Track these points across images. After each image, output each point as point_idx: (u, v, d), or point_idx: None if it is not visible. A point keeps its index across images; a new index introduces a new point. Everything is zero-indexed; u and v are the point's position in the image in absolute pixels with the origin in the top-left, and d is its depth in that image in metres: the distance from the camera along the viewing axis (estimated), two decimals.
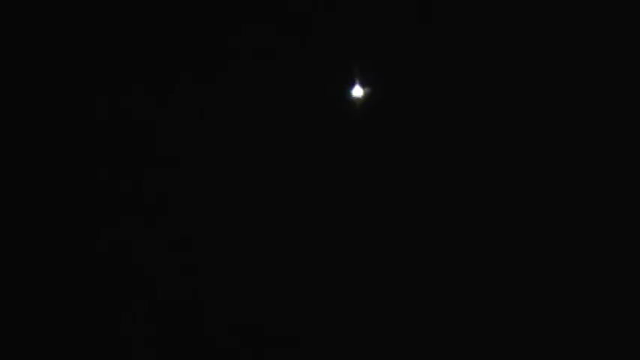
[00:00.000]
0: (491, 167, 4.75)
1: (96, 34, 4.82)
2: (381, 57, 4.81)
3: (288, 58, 4.81)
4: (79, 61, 4.81)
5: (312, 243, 4.76)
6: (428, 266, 4.72)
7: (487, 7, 4.77)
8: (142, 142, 4.79)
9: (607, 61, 4.76)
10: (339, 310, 4.70)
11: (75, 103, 4.79)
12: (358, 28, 4.81)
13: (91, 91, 4.80)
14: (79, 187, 4.75)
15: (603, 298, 4.60)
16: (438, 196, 4.77)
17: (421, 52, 4.80)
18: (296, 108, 4.81)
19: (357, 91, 4.82)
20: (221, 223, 4.78)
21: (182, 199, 4.78)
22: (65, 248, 4.71)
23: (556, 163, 4.75)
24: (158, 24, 4.84)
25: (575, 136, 4.75)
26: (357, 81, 4.81)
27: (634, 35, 4.74)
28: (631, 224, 4.65)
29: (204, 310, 4.70)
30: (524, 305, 4.65)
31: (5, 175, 4.74)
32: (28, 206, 4.73)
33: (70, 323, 4.66)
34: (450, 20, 4.79)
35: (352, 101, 4.82)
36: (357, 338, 4.68)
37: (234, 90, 4.81)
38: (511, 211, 4.72)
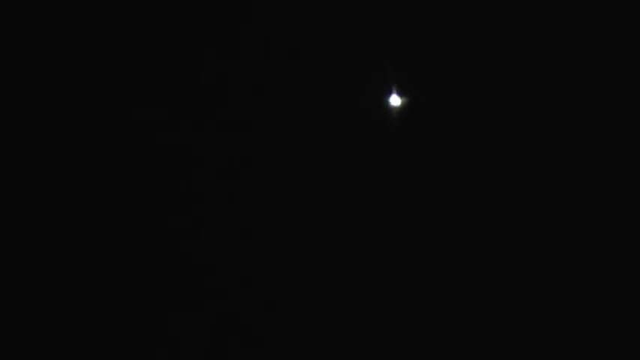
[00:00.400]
0: (525, 180, 4.77)
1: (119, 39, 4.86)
2: (420, 66, 4.82)
3: (327, 65, 4.83)
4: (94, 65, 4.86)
5: (342, 248, 4.79)
6: (459, 272, 4.77)
7: (527, 19, 4.79)
8: (185, 152, 4.86)
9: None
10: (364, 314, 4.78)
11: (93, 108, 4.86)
12: (396, 36, 4.82)
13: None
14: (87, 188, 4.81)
15: (603, 299, 4.64)
16: (470, 206, 4.79)
17: (460, 62, 4.81)
18: (333, 115, 4.83)
19: (395, 100, 4.86)
20: (253, 227, 4.85)
21: (216, 205, 4.84)
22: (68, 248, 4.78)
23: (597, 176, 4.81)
24: (199, 27, 4.89)
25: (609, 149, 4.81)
26: (395, 89, 4.84)
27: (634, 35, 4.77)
28: (631, 224, 4.69)
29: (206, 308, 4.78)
30: (532, 308, 4.71)
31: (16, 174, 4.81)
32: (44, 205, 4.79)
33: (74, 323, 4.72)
34: (490, 33, 4.80)
35: (390, 110, 4.86)
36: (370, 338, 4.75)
37: (274, 97, 4.84)
38: (550, 223, 4.78)
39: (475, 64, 4.81)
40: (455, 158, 4.83)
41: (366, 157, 4.83)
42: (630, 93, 4.78)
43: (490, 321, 4.68)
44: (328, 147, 4.83)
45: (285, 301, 4.75)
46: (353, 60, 4.83)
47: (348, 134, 4.83)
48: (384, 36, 4.82)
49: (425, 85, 4.84)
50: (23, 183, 4.76)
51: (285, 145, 4.84)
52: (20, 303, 4.68)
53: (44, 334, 4.67)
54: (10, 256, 4.70)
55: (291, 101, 4.84)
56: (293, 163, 4.84)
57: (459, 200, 4.80)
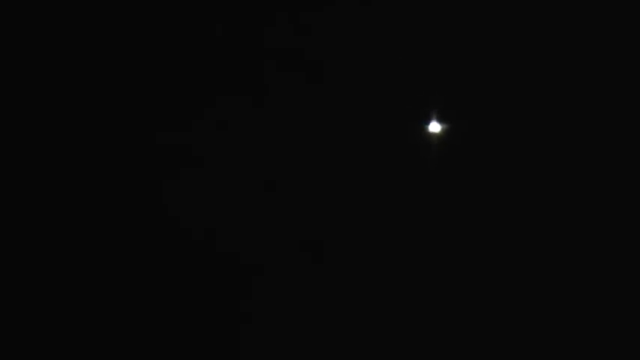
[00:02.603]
0: (570, 209, 4.71)
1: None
2: (460, 93, 4.79)
3: (367, 92, 4.79)
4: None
5: (378, 275, 4.72)
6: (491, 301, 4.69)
7: (572, 48, 4.76)
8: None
9: None
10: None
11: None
12: (435, 64, 4.79)
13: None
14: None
15: (603, 299, 4.59)
16: (507, 231, 4.71)
17: (500, 91, 4.77)
18: (373, 142, 4.78)
19: (435, 127, 4.75)
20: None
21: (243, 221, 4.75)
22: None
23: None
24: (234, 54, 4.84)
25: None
26: (435, 116, 4.74)
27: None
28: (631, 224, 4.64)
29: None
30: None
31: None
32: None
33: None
34: (531, 61, 4.76)
35: (429, 136, 4.75)
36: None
37: (315, 122, 4.79)
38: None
39: (514, 93, 4.78)
40: (494, 186, 4.76)
41: (405, 184, 4.77)
42: None
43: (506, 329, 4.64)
44: (367, 174, 4.77)
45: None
46: (393, 87, 4.81)
47: (388, 161, 4.78)
48: (424, 63, 4.81)
49: (464, 112, 4.81)
50: (23, 183, 4.70)
51: (323, 172, 4.78)
52: (20, 303, 4.61)
53: (44, 334, 4.59)
54: (10, 256, 4.64)
55: (330, 129, 4.80)
56: (330, 189, 4.77)
57: (496, 227, 4.73)
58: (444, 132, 4.75)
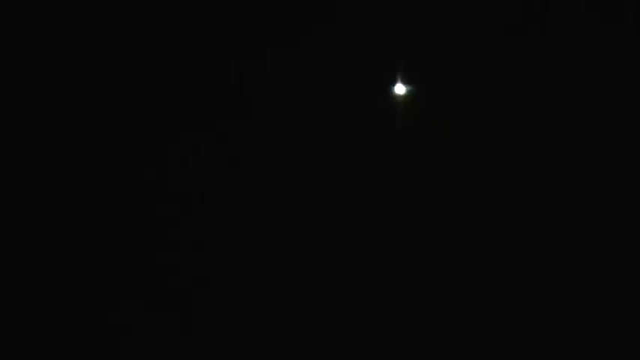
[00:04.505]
0: (528, 174, 4.72)
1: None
2: (425, 55, 4.78)
3: (331, 55, 4.78)
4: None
5: (345, 242, 4.74)
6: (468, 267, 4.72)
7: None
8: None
9: None
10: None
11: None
12: (402, 25, 4.78)
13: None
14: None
15: (603, 299, 4.59)
16: (476, 197, 4.73)
17: (466, 51, 4.78)
18: (338, 105, 4.78)
19: (400, 89, 4.79)
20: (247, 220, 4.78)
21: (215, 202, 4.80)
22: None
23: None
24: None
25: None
26: (400, 79, 4.77)
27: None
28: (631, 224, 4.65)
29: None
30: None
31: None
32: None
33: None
34: (494, 20, 4.77)
35: (394, 99, 4.78)
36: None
37: (278, 87, 4.79)
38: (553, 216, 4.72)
39: (481, 53, 4.78)
40: (460, 149, 4.77)
41: (370, 147, 4.78)
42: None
43: (490, 321, 4.64)
44: (332, 137, 4.78)
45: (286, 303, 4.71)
46: (358, 49, 4.79)
47: (352, 124, 4.78)
48: (389, 24, 4.79)
49: (429, 74, 4.80)
50: (23, 183, 4.73)
51: (288, 136, 4.78)
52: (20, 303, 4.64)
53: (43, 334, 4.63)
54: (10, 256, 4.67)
55: (294, 91, 4.80)
56: (296, 153, 4.78)
57: (463, 193, 4.74)
58: (409, 94, 4.81)
